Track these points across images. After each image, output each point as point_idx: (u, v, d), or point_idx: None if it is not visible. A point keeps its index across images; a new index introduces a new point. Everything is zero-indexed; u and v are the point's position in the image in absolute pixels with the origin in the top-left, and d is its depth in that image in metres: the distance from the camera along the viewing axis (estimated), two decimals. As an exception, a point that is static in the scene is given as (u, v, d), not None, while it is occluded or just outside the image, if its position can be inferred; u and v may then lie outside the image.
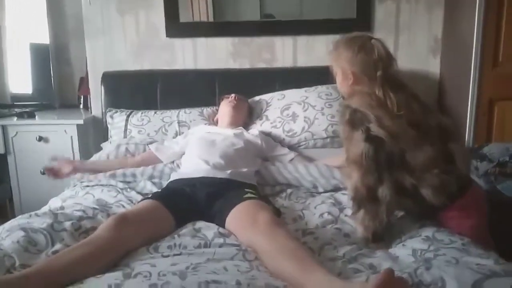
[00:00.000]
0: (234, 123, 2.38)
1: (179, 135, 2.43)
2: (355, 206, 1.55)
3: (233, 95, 2.44)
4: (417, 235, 1.53)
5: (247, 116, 2.51)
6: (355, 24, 2.77)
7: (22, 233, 1.49)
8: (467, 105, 2.45)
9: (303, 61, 2.83)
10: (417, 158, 1.53)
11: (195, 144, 2.20)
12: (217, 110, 2.57)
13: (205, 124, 2.49)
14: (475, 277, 1.16)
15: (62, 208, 1.77)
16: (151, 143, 2.39)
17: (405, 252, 1.46)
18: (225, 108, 2.41)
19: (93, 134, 2.86)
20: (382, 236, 1.54)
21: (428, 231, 1.53)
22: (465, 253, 1.37)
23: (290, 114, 2.45)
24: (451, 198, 1.56)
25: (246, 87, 2.59)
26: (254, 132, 2.37)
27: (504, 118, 2.47)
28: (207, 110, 2.58)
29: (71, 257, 1.38)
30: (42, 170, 2.70)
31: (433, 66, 2.82)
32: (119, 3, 2.79)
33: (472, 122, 2.46)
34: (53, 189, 2.30)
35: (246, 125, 2.47)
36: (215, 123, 2.50)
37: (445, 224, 1.59)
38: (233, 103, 2.40)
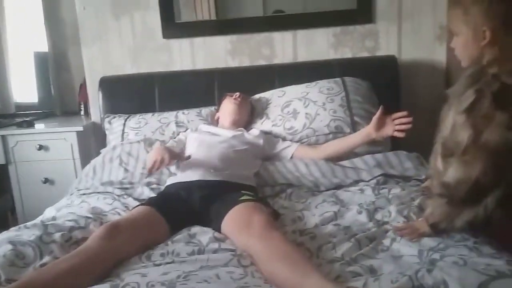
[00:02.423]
0: (236, 123, 2.31)
1: (177, 135, 2.36)
2: (444, 193, 1.33)
3: (237, 93, 2.36)
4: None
5: (249, 115, 2.43)
6: (356, 14, 2.69)
7: (10, 247, 1.44)
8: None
9: (304, 56, 2.75)
10: None
11: (193, 146, 2.13)
12: (215, 109, 2.50)
13: (205, 123, 2.42)
14: (480, 279, 1.08)
15: (54, 218, 1.72)
16: (145, 139, 2.35)
17: (411, 251, 1.37)
18: (229, 106, 2.33)
19: (94, 141, 2.82)
20: (441, 230, 1.39)
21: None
22: (475, 252, 1.28)
23: (290, 111, 2.37)
24: None
25: (245, 85, 2.51)
26: (255, 132, 2.29)
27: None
28: (205, 110, 2.52)
29: (58, 270, 1.33)
30: (43, 179, 2.70)
31: (439, 54, 2.70)
32: (113, 7, 2.75)
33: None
34: (56, 198, 2.27)
35: (247, 125, 2.40)
36: (216, 122, 2.43)
37: None
38: (237, 100, 2.32)
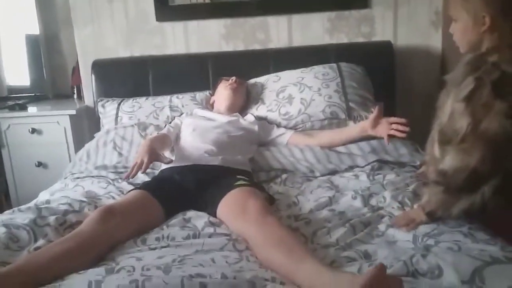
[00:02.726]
0: (231, 108, 2.29)
1: (171, 119, 2.34)
2: (441, 180, 1.32)
3: (233, 77, 2.33)
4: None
5: (244, 100, 2.41)
6: (352, -1, 2.67)
7: (3, 230, 1.44)
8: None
9: (299, 41, 2.73)
10: None
11: (187, 131, 2.12)
12: (210, 94, 2.48)
13: (199, 108, 2.40)
14: (474, 265, 1.08)
15: (48, 202, 1.71)
16: (139, 124, 2.34)
17: (406, 236, 1.38)
18: (224, 91, 2.30)
19: (87, 124, 2.80)
20: (438, 218, 1.39)
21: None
22: (470, 238, 1.29)
23: (286, 96, 2.36)
24: None
25: (240, 70, 2.49)
26: (250, 118, 2.27)
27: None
28: (199, 95, 2.50)
29: (53, 253, 1.33)
30: (36, 163, 2.68)
31: (434, 40, 2.70)
32: (106, -11, 2.71)
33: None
34: (49, 181, 2.25)
35: (243, 109, 2.38)
36: (211, 107, 2.42)
37: None
38: (233, 86, 2.29)
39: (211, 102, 2.42)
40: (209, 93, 2.51)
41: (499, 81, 1.23)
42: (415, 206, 1.49)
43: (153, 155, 1.84)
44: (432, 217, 1.39)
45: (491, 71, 1.25)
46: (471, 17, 1.35)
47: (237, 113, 2.28)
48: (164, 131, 2.15)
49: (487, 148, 1.23)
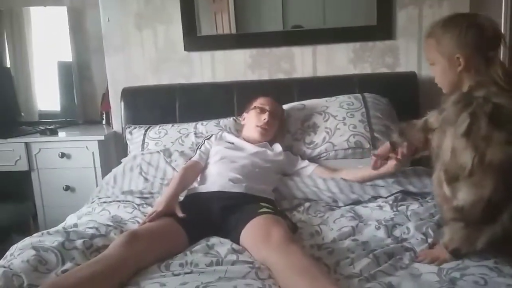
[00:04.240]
0: (259, 142, 2.25)
1: (196, 145, 2.35)
2: (459, 217, 1.34)
3: (266, 118, 2.21)
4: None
5: (276, 130, 2.32)
6: (376, 31, 2.70)
7: (33, 252, 1.47)
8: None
9: (323, 71, 2.77)
10: None
11: (215, 158, 2.13)
12: (235, 120, 2.50)
13: (228, 132, 2.39)
14: (502, 300, 1.07)
15: (75, 225, 1.75)
16: (165, 150, 2.37)
17: (430, 269, 1.37)
18: (253, 130, 2.23)
19: (115, 150, 2.87)
20: (463, 255, 1.39)
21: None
22: (496, 272, 1.28)
23: (310, 125, 2.38)
24: None
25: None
26: (277, 148, 2.24)
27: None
28: (223, 121, 2.53)
29: (79, 276, 1.36)
30: (64, 187, 2.75)
31: (459, 71, 2.69)
32: (137, 19, 2.81)
33: None
34: (76, 205, 2.30)
35: (274, 138, 2.32)
36: (241, 129, 2.39)
37: None
38: (263, 129, 2.23)
39: (242, 122, 2.37)
40: (234, 119, 2.52)
41: (493, 112, 1.29)
42: (440, 241, 1.46)
43: (170, 207, 1.79)
44: (457, 255, 1.39)
45: (483, 104, 1.31)
46: (446, 59, 1.44)
47: (265, 143, 2.25)
48: (196, 158, 2.15)
49: (497, 177, 1.27)
